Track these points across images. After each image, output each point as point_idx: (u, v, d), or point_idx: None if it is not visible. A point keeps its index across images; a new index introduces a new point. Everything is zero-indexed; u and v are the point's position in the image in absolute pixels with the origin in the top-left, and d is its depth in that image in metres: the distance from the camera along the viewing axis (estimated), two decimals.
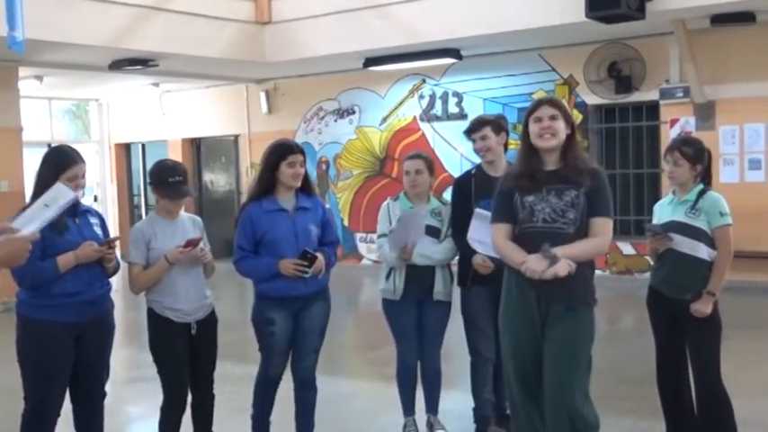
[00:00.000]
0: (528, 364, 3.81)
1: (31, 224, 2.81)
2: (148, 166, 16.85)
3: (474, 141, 4.78)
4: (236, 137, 15.15)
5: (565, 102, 3.99)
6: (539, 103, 3.84)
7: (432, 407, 5.09)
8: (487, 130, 4.72)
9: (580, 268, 3.69)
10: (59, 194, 3.04)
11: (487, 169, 4.78)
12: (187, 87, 14.91)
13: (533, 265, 3.62)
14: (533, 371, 3.79)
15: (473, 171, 4.86)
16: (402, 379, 5.03)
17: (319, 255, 4.43)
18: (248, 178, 14.94)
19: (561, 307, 3.72)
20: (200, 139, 15.77)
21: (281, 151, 4.45)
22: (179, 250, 4.19)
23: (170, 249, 4.20)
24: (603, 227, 3.74)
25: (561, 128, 3.74)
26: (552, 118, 3.74)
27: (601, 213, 3.73)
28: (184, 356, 4.32)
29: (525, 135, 3.83)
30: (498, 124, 4.79)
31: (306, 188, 4.57)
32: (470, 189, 4.71)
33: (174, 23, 10.36)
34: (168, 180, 4.26)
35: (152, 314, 4.31)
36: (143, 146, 16.62)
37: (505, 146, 4.84)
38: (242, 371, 5.99)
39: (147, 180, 4.40)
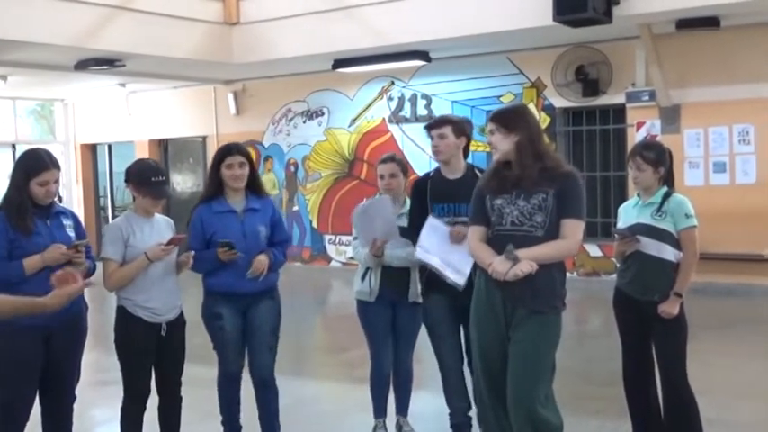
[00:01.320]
0: (494, 364, 3.83)
1: None
2: (115, 167, 16.96)
3: (432, 138, 4.64)
4: (204, 138, 15.05)
5: (512, 111, 4.00)
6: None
7: (402, 408, 5.09)
8: (447, 130, 4.57)
9: (548, 271, 3.72)
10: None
11: (445, 172, 4.63)
12: (154, 88, 14.79)
13: (497, 267, 3.66)
14: (500, 371, 3.81)
15: (431, 173, 4.74)
16: (376, 382, 5.01)
17: (261, 256, 4.52)
18: None
19: (525, 310, 3.74)
20: (167, 140, 15.65)
21: (221, 154, 4.60)
22: (161, 248, 4.20)
23: (151, 247, 4.19)
24: (572, 229, 3.75)
25: (497, 140, 3.83)
26: (490, 133, 3.88)
27: (570, 215, 3.75)
28: (151, 357, 4.30)
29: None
30: (461, 127, 4.64)
31: (255, 189, 4.68)
32: (426, 192, 4.62)
33: (140, 23, 10.27)
34: (151, 180, 4.28)
35: (123, 312, 4.28)
36: (109, 147, 16.45)
37: (465, 151, 4.68)
38: (210, 374, 5.94)
39: (126, 178, 4.37)
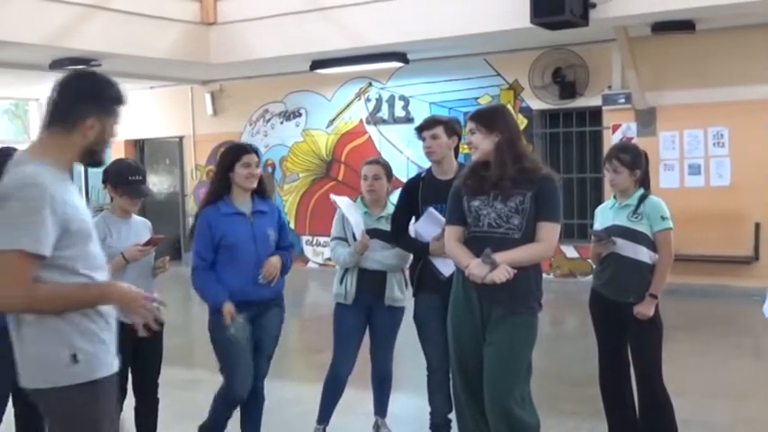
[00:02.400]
0: (470, 364, 3.84)
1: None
2: (91, 168, 16.74)
3: (424, 140, 4.60)
4: (181, 138, 14.98)
5: (493, 111, 4.01)
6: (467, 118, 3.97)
7: (380, 410, 5.09)
8: (440, 130, 4.54)
9: (525, 273, 3.73)
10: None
11: (437, 173, 4.61)
12: (130, 88, 14.51)
13: (474, 270, 3.67)
14: (475, 371, 3.82)
15: (423, 175, 4.71)
16: (329, 386, 4.92)
17: (273, 258, 4.40)
18: (193, 180, 14.79)
19: (501, 311, 3.75)
20: (143, 140, 15.55)
21: (236, 152, 4.40)
22: (138, 248, 4.15)
23: (128, 247, 4.15)
24: (548, 232, 3.77)
25: (477, 140, 3.83)
26: (470, 132, 3.87)
27: (547, 218, 3.77)
28: (128, 359, 4.25)
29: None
30: (452, 126, 4.60)
31: (261, 191, 4.51)
32: (418, 193, 4.60)
33: (116, 23, 10.19)
34: (129, 179, 4.23)
35: None
36: None
37: (456, 150, 4.66)
38: (187, 376, 5.91)
39: (104, 179, 4.31)
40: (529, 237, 3.75)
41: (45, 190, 2.55)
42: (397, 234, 4.67)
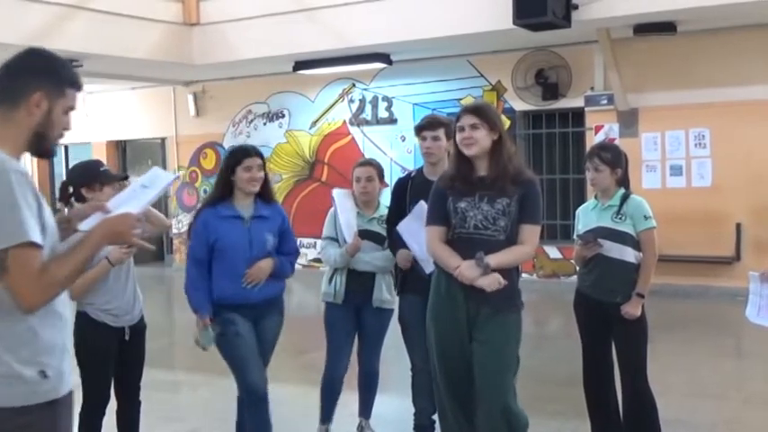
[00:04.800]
0: (455, 364, 3.83)
1: (129, 205, 2.70)
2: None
3: (424, 139, 4.54)
4: (163, 140, 14.91)
5: (493, 108, 3.98)
6: (462, 112, 3.86)
7: (365, 411, 5.08)
8: (441, 132, 4.51)
9: (509, 272, 3.75)
10: (158, 176, 2.93)
11: (428, 173, 4.55)
12: (112, 89, 14.60)
13: (466, 272, 3.66)
14: (460, 372, 3.82)
15: (413, 174, 4.72)
16: (326, 385, 4.95)
17: (261, 262, 4.30)
18: (176, 182, 14.71)
19: (489, 310, 3.75)
20: (125, 141, 15.47)
21: (238, 155, 4.31)
22: (122, 250, 4.08)
23: (112, 250, 4.09)
24: (531, 234, 3.80)
25: (481, 136, 3.75)
26: (472, 127, 3.76)
27: (530, 221, 3.79)
28: (113, 362, 4.22)
29: (455, 141, 3.87)
30: (451, 129, 4.30)
31: (266, 195, 4.43)
32: (406, 192, 4.59)
33: (98, 23, 10.13)
34: (100, 170, 4.17)
35: (85, 318, 4.15)
36: (66, 148, 16.20)
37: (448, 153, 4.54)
38: (170, 378, 5.88)
39: (73, 186, 4.19)
40: (512, 238, 3.76)
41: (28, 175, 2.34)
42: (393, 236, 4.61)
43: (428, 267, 4.27)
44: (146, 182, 2.89)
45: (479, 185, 3.78)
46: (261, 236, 4.31)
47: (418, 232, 4.20)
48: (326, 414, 4.99)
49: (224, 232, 4.26)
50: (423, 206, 4.23)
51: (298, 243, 4.85)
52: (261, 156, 4.35)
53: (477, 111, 3.81)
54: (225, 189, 4.33)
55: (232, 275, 4.26)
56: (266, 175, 4.37)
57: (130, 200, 2.74)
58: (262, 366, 4.34)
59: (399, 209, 4.60)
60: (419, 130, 4.60)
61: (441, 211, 3.85)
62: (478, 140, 3.75)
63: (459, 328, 3.80)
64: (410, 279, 4.54)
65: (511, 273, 3.80)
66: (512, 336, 3.82)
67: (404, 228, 4.43)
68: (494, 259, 3.66)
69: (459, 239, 3.79)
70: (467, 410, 3.85)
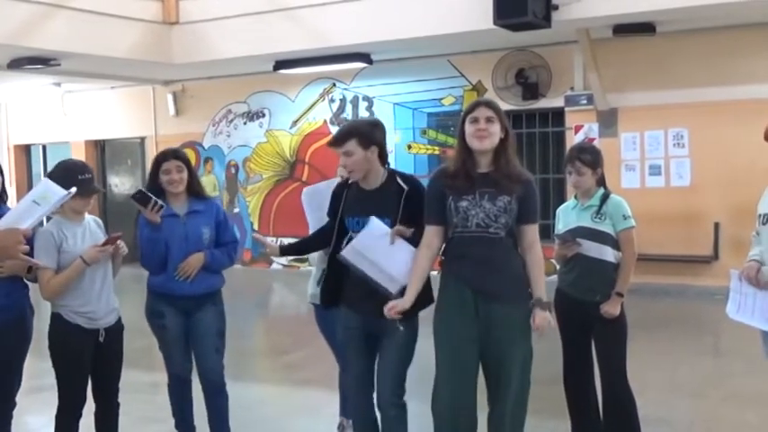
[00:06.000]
0: (465, 363, 3.78)
1: (20, 221, 2.76)
2: (50, 169, 16.50)
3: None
4: (143, 139, 14.82)
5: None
6: (476, 104, 3.81)
7: (346, 411, 5.07)
8: (352, 145, 3.88)
9: (514, 267, 3.80)
10: (50, 190, 2.98)
11: (362, 183, 4.01)
12: (91, 88, 14.51)
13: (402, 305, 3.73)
14: (470, 371, 3.79)
15: (350, 181, 4.08)
16: (344, 382, 4.91)
17: (192, 257, 4.49)
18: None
19: (501, 304, 3.75)
20: (104, 141, 15.37)
21: (157, 159, 4.62)
22: (97, 249, 4.06)
23: (87, 249, 4.06)
24: (535, 233, 3.87)
25: (496, 131, 3.74)
26: (489, 120, 3.73)
27: (533, 220, 3.86)
28: (88, 364, 4.19)
29: (461, 135, 3.81)
30: (368, 137, 3.92)
31: (195, 192, 4.67)
32: (340, 202, 4.06)
33: (77, 22, 10.05)
34: (79, 177, 4.10)
35: (59, 320, 4.13)
36: (44, 147, 16.10)
37: (383, 156, 4.01)
38: (148, 379, 5.85)
39: (53, 181, 4.19)
40: (511, 234, 3.79)
41: None
42: (329, 240, 4.14)
43: (389, 285, 3.84)
44: (37, 197, 2.98)
45: (480, 182, 3.75)
46: (197, 230, 4.58)
47: (371, 249, 3.82)
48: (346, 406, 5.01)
49: (164, 231, 4.49)
50: (377, 225, 3.85)
51: (236, 232, 5.00)
52: (181, 158, 4.62)
53: (493, 105, 3.80)
54: (156, 191, 4.56)
55: (169, 269, 4.51)
56: (193, 173, 4.65)
57: (21, 215, 2.82)
58: (184, 357, 4.63)
59: (334, 214, 4.11)
60: (331, 147, 4.02)
61: (439, 211, 3.81)
62: (493, 134, 3.73)
63: (469, 326, 3.76)
64: (345, 288, 4.02)
65: (518, 267, 3.81)
66: (528, 325, 3.83)
67: (351, 253, 3.88)
68: (540, 292, 3.79)
69: (461, 238, 3.77)
70: (470, 416, 3.83)
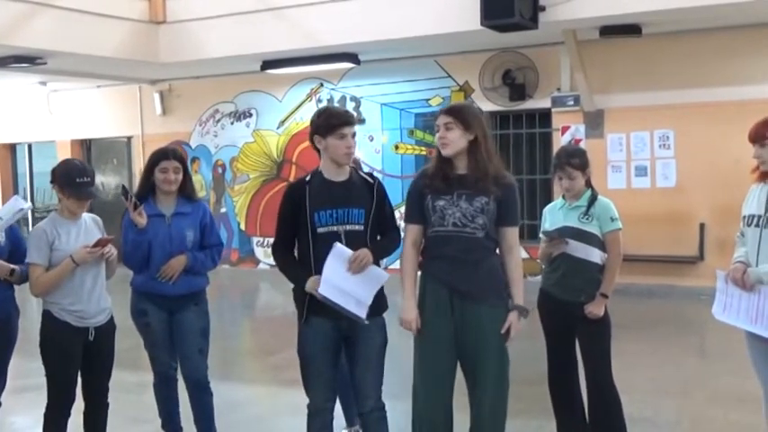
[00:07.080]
0: (443, 366, 3.81)
1: None
2: (35, 168, 16.49)
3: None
4: (129, 138, 14.76)
5: (470, 108, 3.93)
6: (438, 112, 3.91)
7: (350, 417, 5.09)
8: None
9: (490, 267, 3.81)
10: (11, 205, 3.17)
11: (329, 174, 3.93)
12: (77, 87, 14.44)
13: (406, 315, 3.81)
14: (447, 375, 3.82)
15: (308, 178, 3.95)
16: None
17: (174, 259, 4.52)
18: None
19: (478, 305, 3.78)
20: (90, 140, 15.29)
21: (156, 157, 4.59)
22: (87, 250, 4.08)
23: (77, 250, 4.08)
24: (515, 236, 3.92)
25: (455, 136, 3.77)
26: (446, 127, 3.80)
27: (512, 223, 3.89)
28: (77, 363, 4.19)
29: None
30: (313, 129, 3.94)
31: (186, 193, 4.68)
32: (304, 198, 3.86)
33: (63, 20, 10.00)
34: (76, 180, 4.14)
35: (49, 317, 4.15)
36: (29, 146, 16.01)
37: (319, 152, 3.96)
38: (137, 379, 5.83)
39: (51, 179, 4.24)
40: (490, 235, 3.81)
41: None
42: (282, 255, 3.99)
43: (358, 311, 3.79)
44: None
45: (458, 184, 3.79)
46: (181, 232, 4.60)
47: (339, 277, 3.75)
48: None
49: (148, 231, 4.51)
50: (336, 249, 3.77)
51: (222, 236, 5.02)
52: (180, 159, 4.62)
53: (452, 111, 3.84)
54: (146, 189, 4.63)
55: (152, 269, 4.54)
56: (188, 175, 4.68)
57: None
58: (169, 355, 4.66)
59: (292, 219, 3.91)
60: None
61: (418, 209, 3.87)
62: (452, 141, 3.78)
63: (446, 328, 3.79)
64: (315, 301, 3.82)
65: (495, 268, 3.84)
66: (500, 330, 3.86)
67: (326, 288, 3.76)
68: (518, 298, 3.85)
69: (437, 237, 3.82)
70: (447, 420, 3.85)
